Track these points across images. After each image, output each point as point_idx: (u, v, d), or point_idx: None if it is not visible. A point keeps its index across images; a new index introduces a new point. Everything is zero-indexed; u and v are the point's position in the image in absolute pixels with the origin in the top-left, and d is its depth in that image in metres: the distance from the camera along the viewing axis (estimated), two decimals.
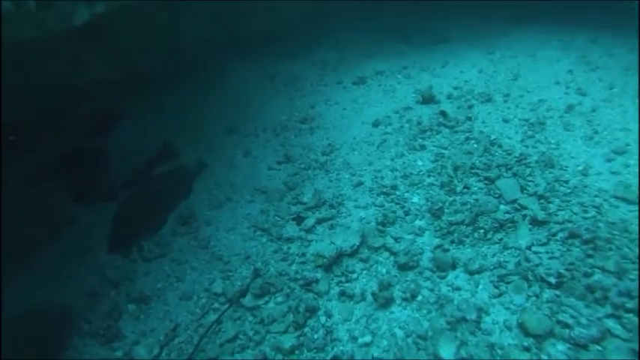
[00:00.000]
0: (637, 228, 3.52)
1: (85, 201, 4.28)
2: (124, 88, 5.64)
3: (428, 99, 5.52)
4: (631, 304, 3.10)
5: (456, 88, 5.71)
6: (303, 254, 4.04)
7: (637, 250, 3.36)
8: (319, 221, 4.34)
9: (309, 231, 4.28)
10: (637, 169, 4.05)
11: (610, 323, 3.10)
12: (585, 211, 3.81)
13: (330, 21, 7.96)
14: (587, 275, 3.34)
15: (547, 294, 3.34)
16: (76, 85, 4.89)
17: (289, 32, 7.61)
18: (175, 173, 4.37)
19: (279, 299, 3.74)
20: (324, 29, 7.87)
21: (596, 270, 3.36)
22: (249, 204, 4.81)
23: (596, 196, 3.94)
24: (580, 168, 4.24)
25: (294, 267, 3.98)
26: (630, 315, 3.07)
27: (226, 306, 3.78)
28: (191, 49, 6.53)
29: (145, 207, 4.07)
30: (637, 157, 4.17)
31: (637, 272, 3.23)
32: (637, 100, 4.89)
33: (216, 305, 3.85)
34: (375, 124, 5.40)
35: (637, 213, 3.66)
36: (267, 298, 3.75)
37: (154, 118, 5.89)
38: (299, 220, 4.42)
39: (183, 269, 4.26)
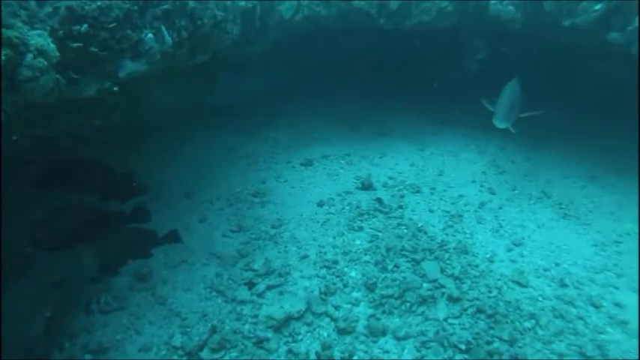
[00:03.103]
0: (526, 307, 4.46)
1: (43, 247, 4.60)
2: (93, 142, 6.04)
3: (367, 186, 6.40)
4: None
5: (391, 178, 6.66)
6: (255, 315, 4.57)
7: (525, 324, 4.29)
8: (269, 287, 4.91)
9: (260, 295, 4.82)
10: (530, 259, 5.07)
11: None
12: (490, 291, 4.70)
13: (287, 102, 8.85)
14: (488, 343, 4.17)
15: (458, 357, 4.12)
16: (48, 136, 5.26)
17: (250, 108, 8.34)
18: (136, 234, 4.86)
19: (234, 354, 4.22)
20: (281, 108, 8.76)
21: (495, 339, 4.22)
22: (204, 267, 5.27)
23: (498, 279, 4.86)
24: (488, 255, 5.20)
25: (247, 326, 4.48)
26: None
27: (185, 358, 4.19)
28: (157, 112, 7.02)
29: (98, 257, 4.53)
30: (530, 249, 5.22)
31: (524, 341, 4.12)
32: (531, 202, 6.06)
33: (175, 357, 4.23)
34: (320, 204, 6.15)
35: (527, 295, 4.61)
36: (223, 353, 4.22)
37: None
38: (251, 285, 4.96)
39: (142, 323, 4.60)
